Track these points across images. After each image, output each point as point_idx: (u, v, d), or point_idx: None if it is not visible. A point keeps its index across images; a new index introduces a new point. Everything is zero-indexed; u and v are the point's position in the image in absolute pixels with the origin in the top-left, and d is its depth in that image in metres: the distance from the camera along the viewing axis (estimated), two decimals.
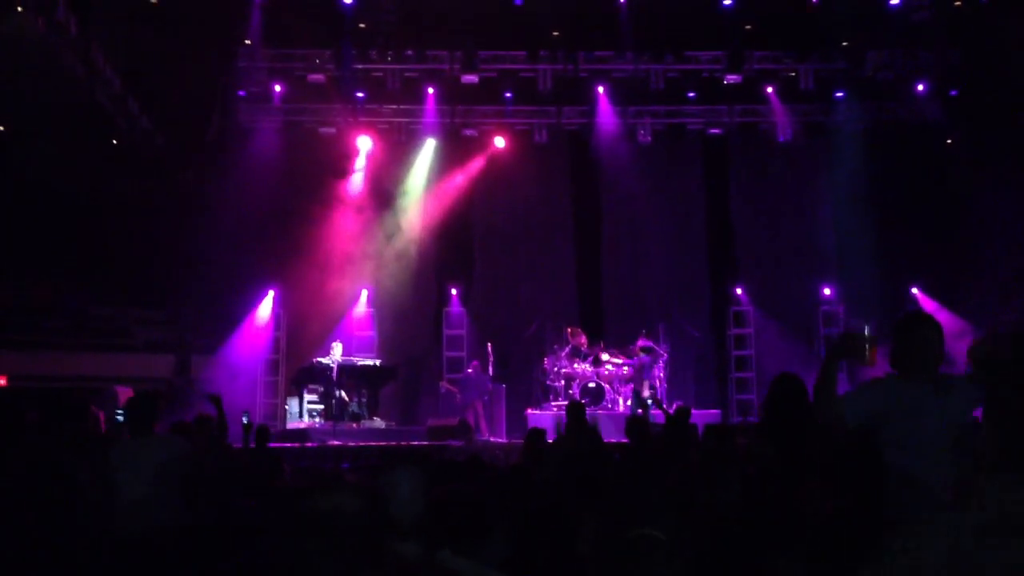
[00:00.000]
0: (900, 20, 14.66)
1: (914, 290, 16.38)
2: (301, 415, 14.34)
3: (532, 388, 15.29)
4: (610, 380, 14.93)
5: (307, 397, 14.41)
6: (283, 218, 15.23)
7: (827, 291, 16.87)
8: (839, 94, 16.46)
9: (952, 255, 15.31)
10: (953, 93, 16.05)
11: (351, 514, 2.11)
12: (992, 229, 14.70)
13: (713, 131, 17.12)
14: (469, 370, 14.96)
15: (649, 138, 17.03)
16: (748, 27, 15.19)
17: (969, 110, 15.69)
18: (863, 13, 14.52)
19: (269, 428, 9.91)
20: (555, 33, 15.60)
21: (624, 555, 2.72)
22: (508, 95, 16.37)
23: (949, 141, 16.29)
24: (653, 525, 3.84)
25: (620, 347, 15.27)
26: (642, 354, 14.81)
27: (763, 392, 15.26)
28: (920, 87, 16.08)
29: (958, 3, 14.48)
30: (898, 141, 16.39)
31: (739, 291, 17.02)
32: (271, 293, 15.81)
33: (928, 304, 16.17)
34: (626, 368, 14.94)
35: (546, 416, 14.11)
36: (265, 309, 15.85)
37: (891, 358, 3.94)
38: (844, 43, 15.46)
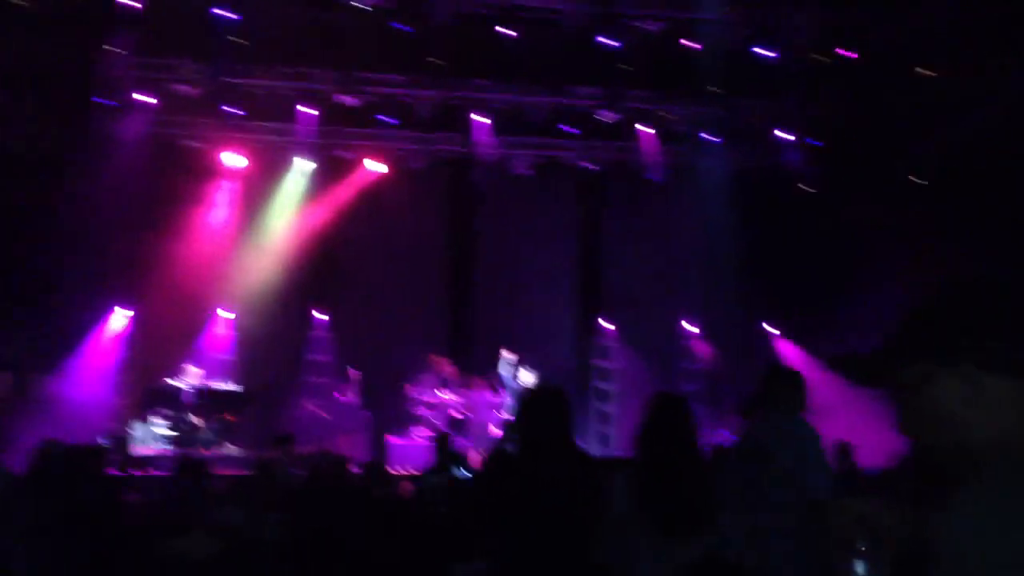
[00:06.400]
0: (767, 70, 15.29)
1: (768, 327, 17.04)
2: (148, 440, 13.56)
3: (397, 416, 14.97)
4: (475, 409, 14.78)
5: (155, 421, 13.66)
6: (141, 234, 14.49)
7: (689, 327, 17.31)
8: (709, 137, 16.99)
9: (807, 297, 15.92)
10: (816, 143, 16.83)
11: (203, 557, 1.87)
12: (847, 274, 15.36)
13: (588, 166, 17.37)
14: (337, 396, 14.59)
15: (525, 169, 17.12)
16: (625, 67, 15.53)
17: (830, 159, 16.49)
18: (734, 61, 15.06)
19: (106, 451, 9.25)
20: (435, 60, 15.54)
21: None
22: (384, 119, 16.16)
23: (811, 189, 17.04)
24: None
25: (486, 375, 15.18)
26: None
27: (624, 424, 15.60)
28: (784, 135, 16.77)
29: (822, 57, 15.20)
30: (762, 185, 17.03)
31: (605, 324, 17.23)
32: (122, 311, 15.00)
33: (782, 344, 16.86)
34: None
35: (409, 445, 13.89)
36: (115, 327, 15.02)
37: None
38: (715, 89, 15.99)
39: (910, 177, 15.12)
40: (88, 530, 5.42)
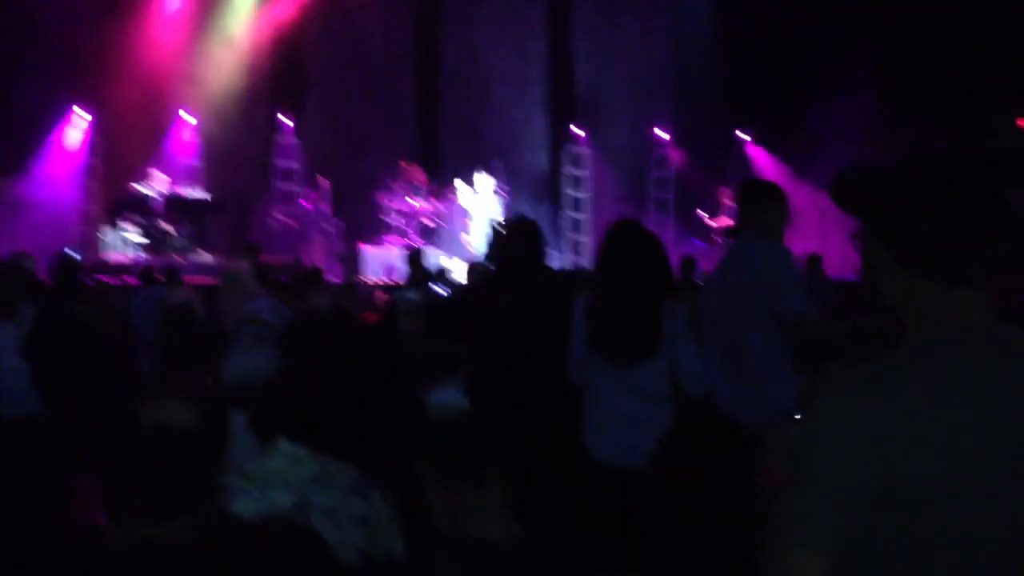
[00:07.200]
0: None
1: (741, 134, 16.91)
2: (119, 247, 13.50)
3: (369, 224, 14.95)
4: (447, 217, 14.77)
5: (126, 227, 13.54)
6: (96, 33, 13.77)
7: (661, 134, 17.15)
8: None
9: (782, 105, 15.72)
10: None
11: (180, 427, 1.91)
12: (818, 81, 15.07)
13: None
14: (306, 204, 14.50)
15: None
16: None
17: None
18: None
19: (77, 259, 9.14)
20: None
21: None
22: None
23: None
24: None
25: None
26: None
27: (596, 232, 15.74)
28: None
29: None
30: None
31: (577, 131, 17.01)
32: (82, 113, 14.52)
33: (754, 150, 16.82)
34: None
35: (381, 252, 13.97)
36: (76, 130, 14.58)
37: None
38: None
39: None
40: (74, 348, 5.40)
